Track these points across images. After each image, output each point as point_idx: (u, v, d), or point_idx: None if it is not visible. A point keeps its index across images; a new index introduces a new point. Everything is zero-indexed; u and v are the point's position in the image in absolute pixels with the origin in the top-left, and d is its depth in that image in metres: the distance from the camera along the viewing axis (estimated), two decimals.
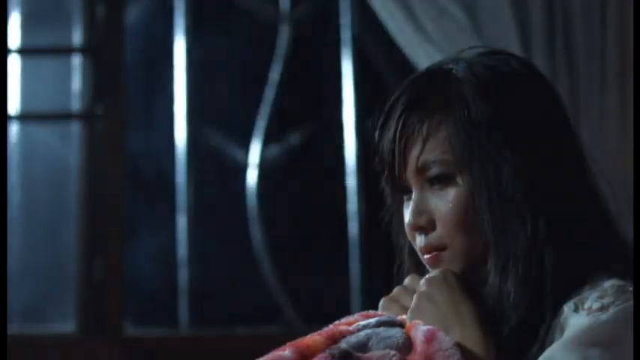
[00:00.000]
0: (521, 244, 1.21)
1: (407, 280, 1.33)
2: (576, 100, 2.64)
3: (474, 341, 1.20)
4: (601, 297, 1.18)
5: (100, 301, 2.87)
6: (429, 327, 1.21)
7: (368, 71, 3.11)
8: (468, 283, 1.25)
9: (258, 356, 1.22)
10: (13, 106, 3.01)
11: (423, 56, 2.64)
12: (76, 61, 3.00)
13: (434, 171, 1.26)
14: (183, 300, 3.03)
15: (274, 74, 3.10)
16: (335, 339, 1.22)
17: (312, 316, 3.01)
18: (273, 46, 3.11)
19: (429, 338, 1.19)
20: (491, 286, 1.23)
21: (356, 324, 1.25)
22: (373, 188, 1.38)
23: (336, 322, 1.28)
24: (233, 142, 3.12)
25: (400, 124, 1.27)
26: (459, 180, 1.25)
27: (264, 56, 3.11)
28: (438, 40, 2.66)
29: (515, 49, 2.55)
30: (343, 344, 1.21)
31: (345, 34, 3.11)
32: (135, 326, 2.97)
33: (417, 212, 1.27)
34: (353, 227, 3.04)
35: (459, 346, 1.19)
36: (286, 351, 1.21)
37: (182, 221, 3.06)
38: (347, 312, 1.35)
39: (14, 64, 3.02)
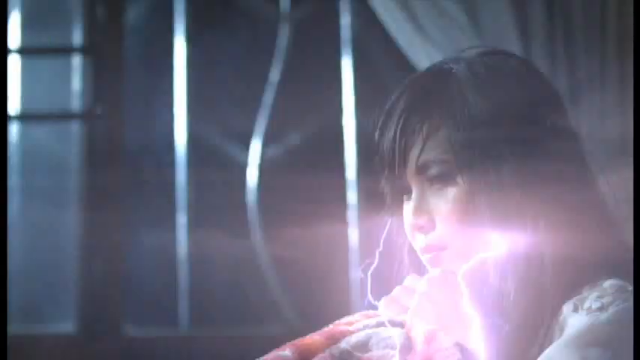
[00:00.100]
0: (520, 243, 1.21)
1: (407, 280, 1.33)
2: (576, 99, 2.64)
3: (474, 341, 1.20)
4: (600, 297, 1.18)
5: (100, 301, 2.87)
6: (429, 327, 1.21)
7: (368, 71, 3.11)
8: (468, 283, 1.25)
9: (258, 356, 1.22)
10: (13, 106, 3.01)
11: (423, 56, 2.64)
12: (76, 61, 3.00)
13: (434, 170, 1.26)
14: (183, 300, 3.03)
15: (274, 74, 3.10)
16: (335, 339, 1.22)
17: (312, 316, 3.01)
18: (273, 46, 3.11)
19: (429, 338, 1.19)
20: (491, 286, 1.23)
21: (356, 324, 1.25)
22: (373, 188, 1.38)
23: (336, 322, 1.28)
24: (233, 142, 3.11)
25: (400, 123, 1.27)
26: (459, 179, 1.25)
27: (264, 56, 3.11)
28: (438, 40, 2.66)
29: (516, 49, 2.55)
30: (343, 344, 1.21)
31: (345, 34, 3.11)
32: (135, 326, 2.97)
33: (417, 212, 1.27)
34: (353, 227, 3.04)
35: (459, 346, 1.19)
36: (286, 351, 1.21)
37: (182, 221, 3.06)
38: (347, 312, 1.35)
39: (14, 64, 3.02)
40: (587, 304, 1.18)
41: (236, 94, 3.16)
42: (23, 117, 3.04)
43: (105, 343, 2.84)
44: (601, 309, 1.17)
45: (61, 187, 3.01)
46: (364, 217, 3.03)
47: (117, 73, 2.94)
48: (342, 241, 3.04)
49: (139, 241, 3.04)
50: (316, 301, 3.03)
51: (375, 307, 1.32)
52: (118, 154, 2.92)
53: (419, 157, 1.26)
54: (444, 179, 1.26)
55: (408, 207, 1.28)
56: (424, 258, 1.29)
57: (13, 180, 2.99)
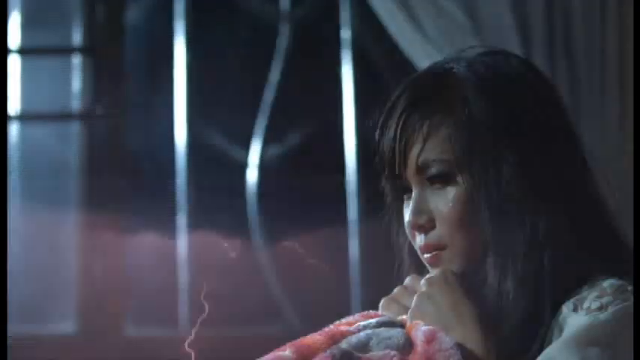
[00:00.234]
0: (520, 243, 1.21)
1: (407, 281, 1.33)
2: (576, 100, 2.64)
3: (474, 341, 1.20)
4: (600, 296, 1.19)
5: (100, 301, 2.87)
6: (430, 327, 1.21)
7: (368, 71, 3.11)
8: (468, 283, 1.25)
9: (258, 356, 1.22)
10: (13, 106, 3.00)
11: (423, 56, 2.64)
12: (76, 61, 2.99)
13: (434, 170, 1.26)
14: (184, 300, 3.03)
15: (274, 74, 3.10)
16: (335, 339, 1.22)
17: (312, 316, 3.01)
18: (273, 46, 3.11)
19: (430, 339, 1.19)
20: (490, 285, 1.23)
21: (356, 324, 1.25)
22: (373, 188, 1.38)
23: (337, 322, 1.28)
24: (233, 142, 3.11)
25: (401, 123, 1.27)
26: (459, 179, 1.25)
27: (264, 56, 3.11)
28: (438, 40, 2.66)
29: (516, 49, 2.55)
30: (344, 344, 1.21)
31: (345, 34, 3.11)
32: (135, 326, 2.97)
33: (417, 211, 1.27)
34: (353, 227, 3.04)
35: (459, 346, 1.19)
36: (286, 351, 1.21)
37: (182, 221, 3.06)
38: (347, 312, 1.35)
39: (14, 64, 3.01)
40: (586, 304, 1.18)
41: (236, 94, 3.16)
42: (23, 117, 3.04)
43: (105, 343, 2.84)
44: (600, 309, 1.18)
45: (61, 187, 3.00)
46: (364, 217, 3.03)
47: (117, 73, 2.94)
48: (342, 241, 3.04)
49: (139, 241, 3.04)
50: (316, 301, 3.03)
51: (375, 308, 1.32)
52: (118, 154, 2.92)
53: (419, 156, 1.26)
54: (444, 179, 1.26)
55: (408, 207, 1.28)
56: (424, 258, 1.29)
57: (13, 180, 2.98)
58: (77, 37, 3.00)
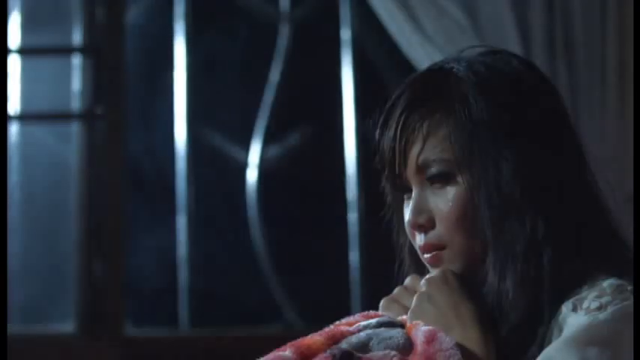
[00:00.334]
0: (520, 243, 1.21)
1: (407, 281, 1.33)
2: (576, 99, 2.64)
3: (474, 342, 1.20)
4: (599, 296, 1.19)
5: (100, 301, 2.87)
6: (430, 327, 1.21)
7: (368, 71, 3.11)
8: (468, 283, 1.25)
9: (258, 356, 1.22)
10: (13, 106, 3.00)
11: (423, 56, 2.64)
12: (76, 61, 3.00)
13: (434, 169, 1.26)
14: (184, 300, 3.03)
15: (274, 74, 3.10)
16: (336, 339, 1.22)
17: (312, 316, 3.01)
18: (273, 46, 3.11)
19: (430, 339, 1.19)
20: (489, 285, 1.23)
21: (356, 324, 1.25)
22: (373, 188, 1.38)
23: (337, 322, 1.28)
24: (233, 142, 3.12)
25: (401, 122, 1.27)
26: (459, 179, 1.25)
27: (264, 56, 3.11)
28: (438, 40, 2.66)
29: (516, 49, 2.55)
30: (344, 344, 1.21)
31: (345, 34, 3.11)
32: (135, 326, 2.97)
33: (417, 211, 1.27)
34: (353, 227, 3.04)
35: (459, 346, 1.19)
36: (287, 351, 1.21)
37: (182, 221, 3.06)
38: (347, 312, 1.35)
39: (14, 64, 3.01)
40: (585, 304, 1.18)
41: (236, 94, 3.17)
42: (23, 117, 3.04)
43: (105, 343, 2.84)
44: (599, 308, 1.17)
45: (61, 187, 3.01)
46: (364, 217, 3.03)
47: (117, 73, 2.94)
48: (342, 241, 3.04)
49: (139, 241, 3.04)
50: (316, 301, 3.03)
51: (375, 308, 1.32)
52: (118, 154, 2.92)
53: (419, 156, 1.26)
54: (443, 178, 1.26)
55: (408, 206, 1.28)
56: (424, 257, 1.29)
57: (13, 180, 2.99)
58: (77, 37, 3.00)
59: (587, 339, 1.15)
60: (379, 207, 1.37)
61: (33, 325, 2.97)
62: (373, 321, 1.26)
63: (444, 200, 1.25)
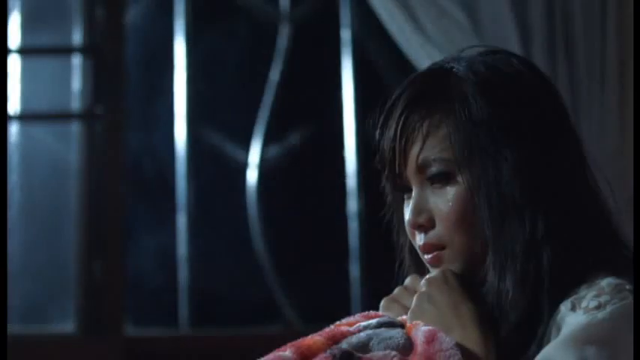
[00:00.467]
0: (519, 243, 1.22)
1: (407, 281, 1.34)
2: (576, 99, 2.64)
3: (474, 342, 1.21)
4: (598, 295, 1.19)
5: (100, 301, 2.87)
6: (430, 328, 1.21)
7: (368, 71, 3.11)
8: (468, 283, 1.25)
9: (258, 356, 1.22)
10: (13, 106, 3.00)
11: (423, 56, 2.64)
12: (76, 61, 3.00)
13: (434, 169, 1.26)
14: (184, 300, 3.03)
15: (274, 74, 3.10)
16: (336, 339, 1.22)
17: (312, 316, 3.01)
18: (273, 46, 3.11)
19: (430, 339, 1.20)
20: (489, 285, 1.23)
21: (357, 325, 1.25)
22: (373, 188, 1.38)
23: (337, 322, 1.28)
24: (233, 142, 3.11)
25: (401, 122, 1.27)
26: (459, 178, 1.25)
27: (264, 56, 3.11)
28: (438, 40, 2.66)
29: (516, 49, 2.55)
30: (344, 345, 1.21)
31: (345, 34, 3.11)
32: (135, 326, 2.97)
33: (417, 210, 1.27)
34: (353, 227, 3.04)
35: (459, 346, 1.19)
36: (287, 351, 1.21)
37: (182, 221, 3.06)
38: (347, 312, 1.35)
39: (14, 64, 3.01)
40: (584, 303, 1.19)
41: (236, 94, 3.17)
42: (23, 117, 3.04)
43: (105, 343, 2.84)
44: (598, 307, 1.18)
45: (61, 187, 3.00)
46: (364, 216, 3.03)
47: (117, 73, 2.94)
48: (342, 241, 3.04)
49: (139, 241, 3.04)
50: (316, 301, 3.03)
51: (375, 308, 1.33)
52: (118, 154, 2.92)
53: (419, 155, 1.26)
54: (443, 178, 1.26)
55: (408, 206, 1.29)
56: (424, 257, 1.29)
57: (13, 180, 2.98)
58: (77, 37, 3.00)
59: (586, 338, 1.15)
60: (379, 207, 1.37)
61: (33, 325, 2.97)
62: (373, 321, 1.26)
63: (444, 200, 1.25)
